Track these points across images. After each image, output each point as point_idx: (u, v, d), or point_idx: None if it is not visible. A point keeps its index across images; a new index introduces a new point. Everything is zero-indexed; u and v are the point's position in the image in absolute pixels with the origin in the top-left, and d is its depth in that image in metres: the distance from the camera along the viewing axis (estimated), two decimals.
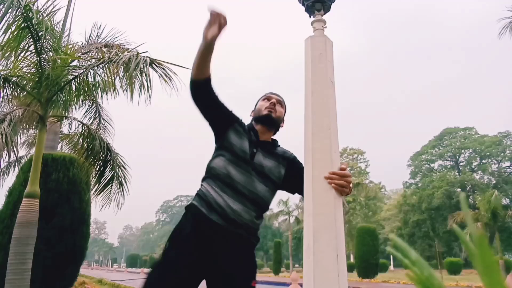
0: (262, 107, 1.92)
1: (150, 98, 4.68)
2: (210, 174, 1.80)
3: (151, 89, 4.59)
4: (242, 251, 1.73)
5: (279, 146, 1.96)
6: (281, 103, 1.96)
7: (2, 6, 4.41)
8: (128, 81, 4.64)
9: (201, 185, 1.83)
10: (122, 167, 6.42)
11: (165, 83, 4.58)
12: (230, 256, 1.67)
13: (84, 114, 6.44)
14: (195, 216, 1.73)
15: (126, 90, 4.94)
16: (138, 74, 4.48)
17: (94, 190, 6.39)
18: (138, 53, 4.57)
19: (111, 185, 6.31)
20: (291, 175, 1.87)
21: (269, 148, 1.88)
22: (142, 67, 4.46)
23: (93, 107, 6.53)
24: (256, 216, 1.77)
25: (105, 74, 5.18)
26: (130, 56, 4.51)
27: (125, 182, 6.42)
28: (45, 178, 7.07)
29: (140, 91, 4.71)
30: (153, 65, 4.57)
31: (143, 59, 4.50)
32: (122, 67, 4.64)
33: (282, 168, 1.86)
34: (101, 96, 5.89)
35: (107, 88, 5.48)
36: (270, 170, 1.82)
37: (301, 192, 1.89)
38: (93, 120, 6.54)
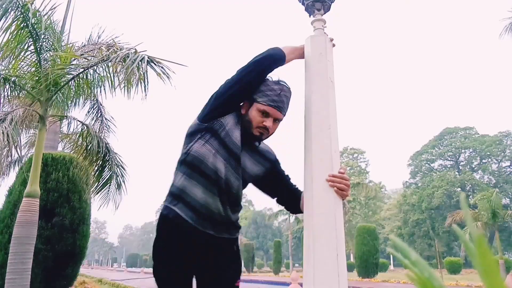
0: (254, 121, 1.58)
1: (146, 95, 4.67)
2: (192, 166, 1.55)
3: (147, 86, 4.59)
4: (227, 253, 1.67)
5: (262, 142, 1.74)
6: (279, 119, 1.63)
7: (0, 6, 4.40)
8: (126, 78, 4.63)
9: (177, 178, 1.59)
10: (120, 167, 6.42)
11: (164, 81, 4.57)
12: (216, 260, 1.62)
13: (86, 114, 6.45)
14: (178, 227, 1.55)
15: (125, 88, 4.93)
16: (136, 71, 4.47)
17: (93, 189, 6.38)
18: (136, 51, 4.55)
19: (109, 185, 6.31)
20: (268, 179, 1.76)
21: (253, 146, 1.68)
22: (139, 63, 4.44)
23: (94, 107, 6.54)
24: (237, 212, 1.70)
25: (105, 73, 5.18)
26: (128, 53, 4.50)
27: (123, 182, 6.41)
28: (45, 177, 7.07)
29: (137, 87, 4.70)
30: (152, 63, 4.56)
31: (141, 56, 4.49)
32: (120, 65, 4.63)
33: (261, 170, 1.71)
34: (101, 95, 5.89)
35: (107, 87, 5.47)
36: (251, 174, 1.67)
37: (272, 195, 1.84)
38: (95, 120, 6.54)
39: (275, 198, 1.84)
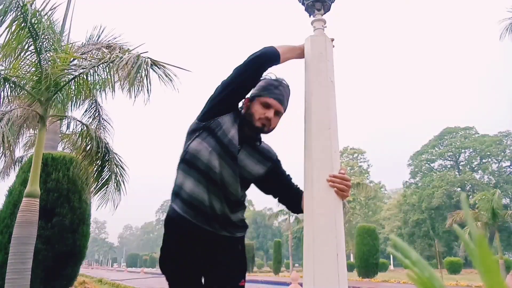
0: (256, 114, 1.64)
1: (149, 97, 4.68)
2: (190, 164, 1.61)
3: (150, 90, 4.58)
4: (231, 252, 1.71)
5: (262, 142, 1.77)
6: (280, 113, 1.68)
7: (1, 6, 4.40)
8: (129, 83, 4.63)
9: (177, 176, 1.66)
10: (120, 167, 6.42)
11: (165, 84, 4.57)
12: (220, 258, 1.67)
13: (83, 113, 6.46)
14: (180, 225, 1.64)
15: (126, 90, 4.92)
16: (139, 75, 4.47)
17: (92, 189, 6.38)
18: (139, 55, 4.55)
19: (109, 185, 6.30)
20: (270, 179, 1.78)
21: (253, 144, 1.71)
22: (144, 68, 4.44)
23: (92, 106, 6.54)
24: (240, 213, 1.73)
25: (106, 74, 5.18)
26: (131, 57, 4.50)
27: (123, 182, 6.41)
28: (45, 177, 7.07)
29: (140, 91, 4.70)
30: (154, 67, 4.56)
31: (144, 60, 4.48)
32: (124, 68, 4.63)
33: (263, 169, 1.74)
34: (102, 96, 5.89)
35: (107, 88, 5.47)
36: (251, 173, 1.70)
37: (274, 195, 1.85)
38: (92, 119, 6.55)
39: (277, 198, 1.87)
